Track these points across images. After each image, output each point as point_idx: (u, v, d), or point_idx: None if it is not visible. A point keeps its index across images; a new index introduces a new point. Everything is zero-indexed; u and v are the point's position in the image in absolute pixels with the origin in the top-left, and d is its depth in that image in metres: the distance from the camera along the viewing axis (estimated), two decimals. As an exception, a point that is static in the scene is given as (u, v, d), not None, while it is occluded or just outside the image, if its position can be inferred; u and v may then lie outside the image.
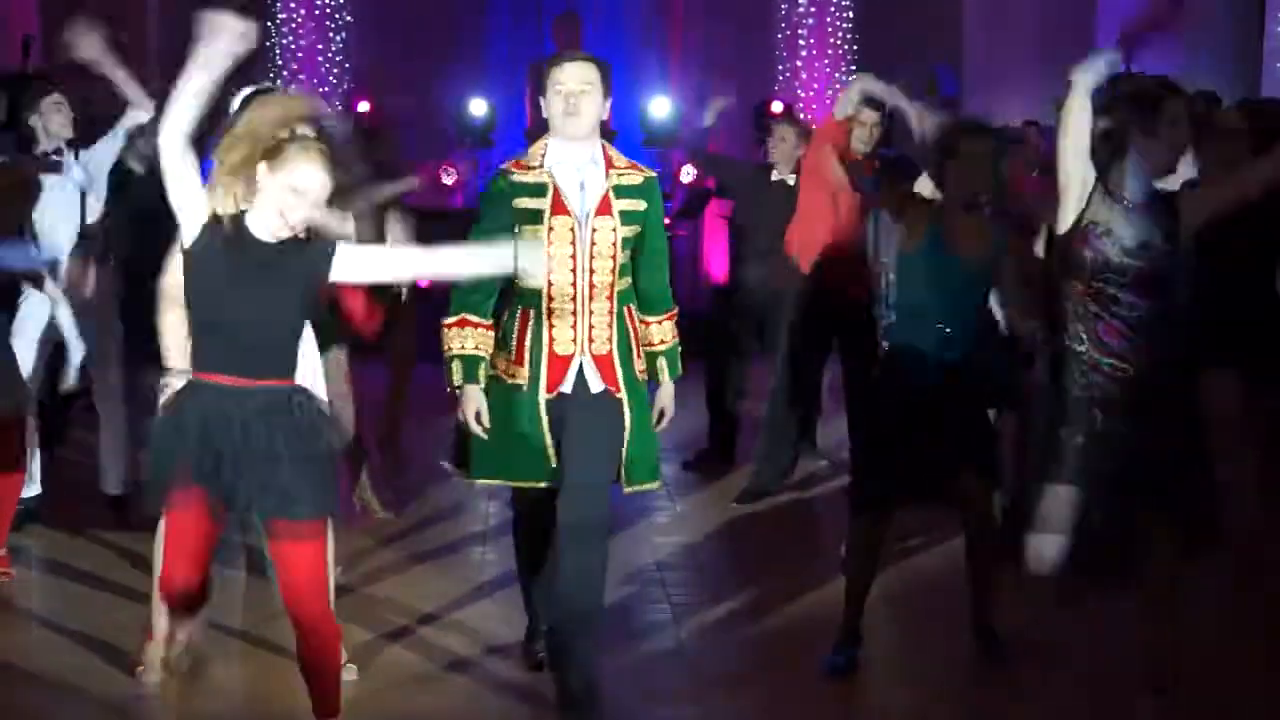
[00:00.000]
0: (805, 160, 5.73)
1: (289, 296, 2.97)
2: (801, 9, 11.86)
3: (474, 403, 3.53)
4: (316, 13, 11.61)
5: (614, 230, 3.52)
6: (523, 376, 3.55)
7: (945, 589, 4.45)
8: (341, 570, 4.22)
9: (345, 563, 4.48)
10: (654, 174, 3.65)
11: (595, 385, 3.52)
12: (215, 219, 2.89)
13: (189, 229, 2.91)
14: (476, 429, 3.55)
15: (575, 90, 3.46)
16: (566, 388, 3.52)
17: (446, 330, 3.55)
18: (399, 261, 3.56)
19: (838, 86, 11.72)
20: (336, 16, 11.70)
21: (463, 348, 3.52)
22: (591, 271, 3.51)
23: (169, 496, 2.96)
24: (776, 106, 11.50)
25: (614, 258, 3.53)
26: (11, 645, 4.17)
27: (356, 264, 3.07)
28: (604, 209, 3.49)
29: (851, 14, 11.82)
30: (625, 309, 3.59)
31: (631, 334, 3.60)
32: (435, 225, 10.15)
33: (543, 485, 3.61)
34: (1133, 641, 3.94)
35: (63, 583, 4.77)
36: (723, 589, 4.78)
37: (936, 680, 4.05)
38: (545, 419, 3.54)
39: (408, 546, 5.21)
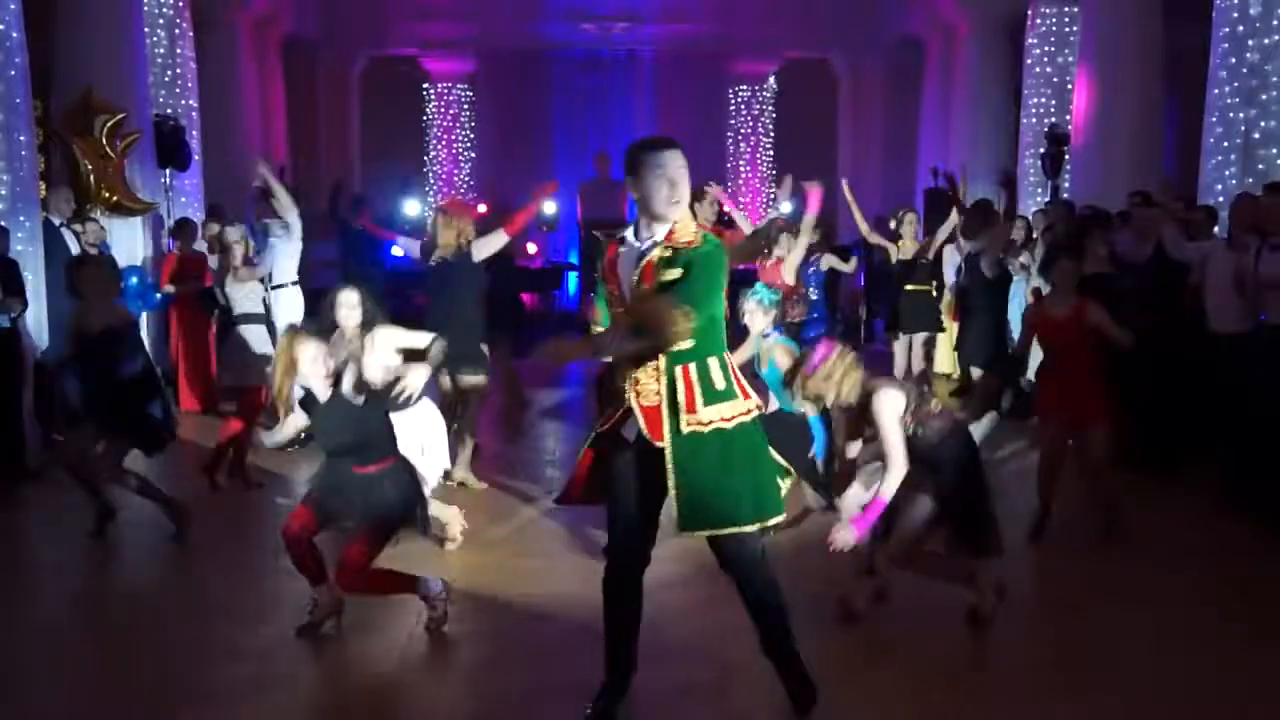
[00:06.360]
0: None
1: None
2: (742, 142, 18.29)
3: None
4: (453, 150, 18.08)
5: None
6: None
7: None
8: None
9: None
10: (703, 247, 3.39)
11: (636, 432, 3.49)
12: None
13: None
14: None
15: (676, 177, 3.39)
16: (628, 433, 3.51)
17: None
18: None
19: (767, 190, 18.19)
20: (464, 152, 18.15)
21: None
22: None
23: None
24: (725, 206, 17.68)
25: None
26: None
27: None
28: (646, 278, 3.40)
29: (773, 151, 18.26)
30: (679, 367, 3.41)
31: (683, 390, 3.40)
32: (524, 276, 15.95)
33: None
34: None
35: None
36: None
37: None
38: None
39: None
